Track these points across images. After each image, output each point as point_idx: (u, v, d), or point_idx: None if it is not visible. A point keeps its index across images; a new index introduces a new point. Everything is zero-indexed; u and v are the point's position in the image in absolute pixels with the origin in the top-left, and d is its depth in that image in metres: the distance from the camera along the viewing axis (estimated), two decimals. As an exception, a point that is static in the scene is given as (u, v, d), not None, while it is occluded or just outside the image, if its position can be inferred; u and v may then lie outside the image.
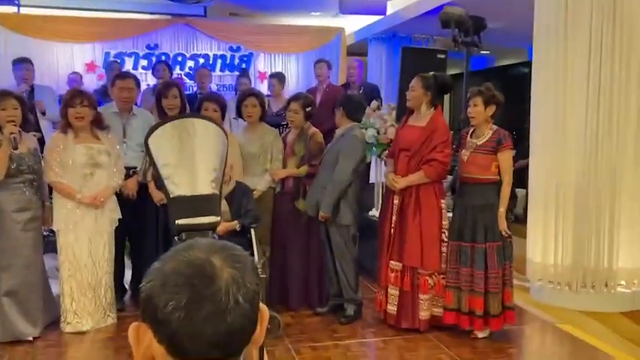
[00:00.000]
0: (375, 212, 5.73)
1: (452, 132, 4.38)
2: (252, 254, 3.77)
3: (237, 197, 4.18)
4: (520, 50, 10.44)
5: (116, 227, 4.35)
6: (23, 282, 4.06)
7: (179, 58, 8.76)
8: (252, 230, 4.08)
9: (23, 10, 8.38)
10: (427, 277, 4.18)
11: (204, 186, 2.70)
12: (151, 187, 4.48)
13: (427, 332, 4.19)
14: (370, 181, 6.13)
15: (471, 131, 4.18)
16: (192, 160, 2.72)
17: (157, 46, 8.68)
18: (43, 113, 6.04)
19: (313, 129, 4.71)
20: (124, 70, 7.55)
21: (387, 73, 9.39)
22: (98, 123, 4.27)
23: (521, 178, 5.87)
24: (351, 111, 4.56)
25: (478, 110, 4.05)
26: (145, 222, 4.71)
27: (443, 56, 6.81)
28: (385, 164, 4.69)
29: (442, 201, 4.22)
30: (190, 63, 8.76)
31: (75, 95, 4.23)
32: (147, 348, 0.87)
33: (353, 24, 9.83)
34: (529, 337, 4.47)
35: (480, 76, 9.81)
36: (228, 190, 4.03)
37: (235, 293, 0.85)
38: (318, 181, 4.49)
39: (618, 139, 4.70)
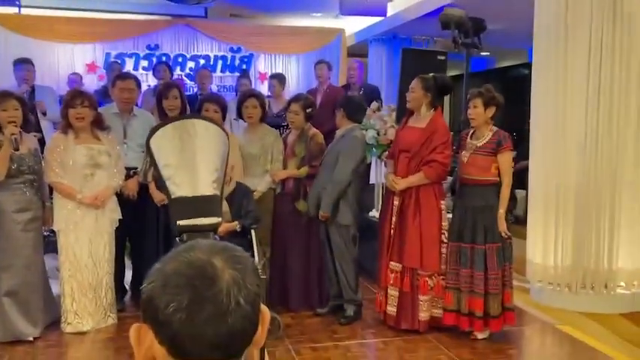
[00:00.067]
0: (375, 213, 5.73)
1: (452, 133, 4.39)
2: (253, 255, 3.78)
3: (238, 198, 4.18)
4: (520, 51, 10.45)
5: (116, 228, 4.35)
6: (24, 282, 4.07)
7: (180, 59, 8.77)
8: (253, 231, 4.09)
9: (24, 11, 8.39)
10: (427, 278, 4.18)
11: (206, 187, 2.70)
12: (152, 187, 4.49)
13: (427, 333, 4.20)
14: (370, 182, 6.13)
15: (470, 132, 4.19)
16: (194, 161, 2.72)
17: (157, 46, 8.70)
18: (44, 114, 6.05)
19: (314, 130, 4.71)
20: (125, 70, 7.56)
21: (387, 75, 9.40)
22: (99, 124, 4.28)
23: (521, 179, 5.87)
24: (351, 112, 4.57)
25: (478, 112, 4.06)
26: (145, 222, 4.72)
27: (443, 57, 6.81)
28: (385, 165, 4.69)
29: (442, 202, 4.23)
30: (191, 64, 8.78)
31: (75, 96, 4.23)
32: (148, 349, 0.87)
33: (353, 25, 9.84)
34: (529, 338, 4.47)
35: (479, 78, 9.81)
36: (228, 191, 4.04)
37: (236, 295, 0.85)
38: (318, 181, 4.49)
39: (618, 140, 4.70)
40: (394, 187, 4.22)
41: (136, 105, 5.11)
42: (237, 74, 8.46)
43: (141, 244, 4.82)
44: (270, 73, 8.17)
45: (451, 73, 7.75)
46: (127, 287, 4.94)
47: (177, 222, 2.66)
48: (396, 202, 4.25)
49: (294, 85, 8.89)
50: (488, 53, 11.32)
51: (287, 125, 5.08)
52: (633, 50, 4.68)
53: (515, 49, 10.49)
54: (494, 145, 4.04)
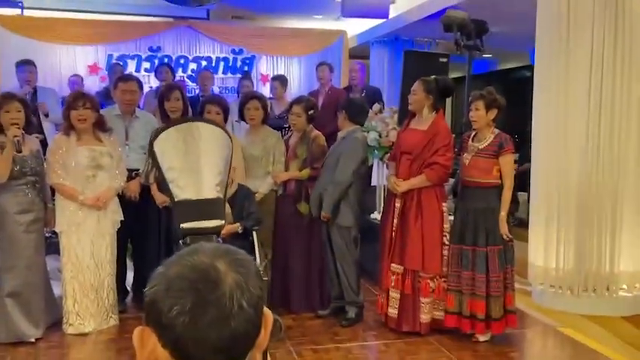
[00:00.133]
0: (376, 215, 5.73)
1: (454, 135, 4.39)
2: (254, 257, 3.78)
3: (240, 200, 4.19)
4: (522, 54, 10.44)
5: (118, 229, 4.36)
6: (25, 283, 4.07)
7: (182, 61, 8.77)
8: (254, 233, 4.09)
9: (26, 12, 8.39)
10: (428, 281, 4.18)
11: (209, 190, 2.70)
12: (154, 189, 4.49)
13: (428, 335, 4.20)
14: (372, 184, 6.13)
15: (472, 135, 4.19)
16: (198, 164, 2.72)
17: (159, 48, 8.70)
18: (46, 115, 6.06)
19: (315, 132, 4.72)
20: (127, 72, 7.57)
21: (389, 77, 9.40)
22: (100, 125, 4.29)
23: (523, 181, 5.87)
24: (353, 114, 4.57)
25: (480, 114, 4.06)
26: (147, 224, 4.72)
27: (445, 60, 6.80)
28: (387, 167, 4.69)
29: (444, 204, 4.23)
30: (193, 65, 8.78)
31: (77, 97, 4.24)
32: (151, 352, 0.88)
33: (355, 27, 9.84)
34: (530, 340, 4.47)
35: (481, 80, 9.82)
36: (230, 193, 4.04)
37: (239, 298, 0.85)
38: (320, 183, 4.49)
39: (620, 142, 4.69)
40: (396, 189, 4.22)
41: (138, 107, 5.11)
42: (239, 76, 8.46)
43: (143, 245, 4.83)
44: (272, 75, 8.17)
45: (453, 75, 7.75)
46: (129, 288, 4.94)
47: (181, 225, 2.66)
48: (397, 204, 4.25)
49: (295, 87, 8.88)
50: (490, 55, 11.32)
51: (289, 127, 5.08)
52: (635, 52, 4.68)
53: (517, 51, 10.49)
54: (496, 148, 4.04)
